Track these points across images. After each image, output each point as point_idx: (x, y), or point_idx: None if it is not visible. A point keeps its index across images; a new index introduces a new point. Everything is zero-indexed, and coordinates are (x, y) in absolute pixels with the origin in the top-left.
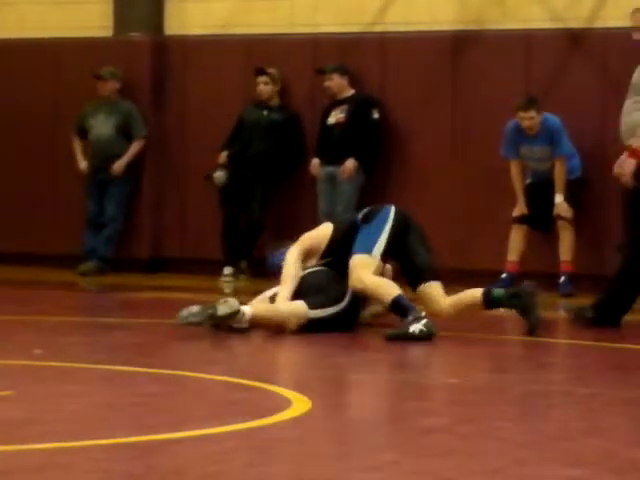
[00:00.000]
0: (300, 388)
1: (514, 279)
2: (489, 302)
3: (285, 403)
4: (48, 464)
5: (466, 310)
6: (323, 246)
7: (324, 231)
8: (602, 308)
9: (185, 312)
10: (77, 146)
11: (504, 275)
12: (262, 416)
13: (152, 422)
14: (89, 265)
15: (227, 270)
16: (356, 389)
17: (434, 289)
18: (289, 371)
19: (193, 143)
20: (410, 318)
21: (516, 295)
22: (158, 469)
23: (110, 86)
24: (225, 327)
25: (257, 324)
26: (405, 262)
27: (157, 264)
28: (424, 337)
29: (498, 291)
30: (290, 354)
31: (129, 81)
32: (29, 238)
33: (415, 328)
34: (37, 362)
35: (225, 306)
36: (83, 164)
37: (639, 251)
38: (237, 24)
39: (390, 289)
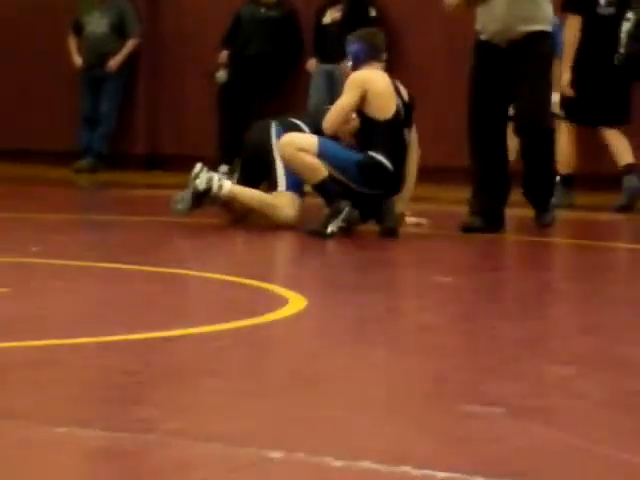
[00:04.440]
0: (296, 286)
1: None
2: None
3: (282, 301)
4: (44, 360)
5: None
6: None
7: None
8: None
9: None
10: (72, 43)
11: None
12: (259, 314)
13: (148, 320)
14: (84, 163)
15: (223, 168)
16: (351, 287)
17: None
18: (285, 269)
19: (189, 40)
20: (328, 213)
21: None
22: (155, 366)
23: None
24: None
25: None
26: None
27: (153, 161)
28: (344, 231)
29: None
30: (287, 252)
31: None
32: (24, 135)
33: (332, 227)
34: (33, 259)
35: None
36: (78, 61)
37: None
38: None
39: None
